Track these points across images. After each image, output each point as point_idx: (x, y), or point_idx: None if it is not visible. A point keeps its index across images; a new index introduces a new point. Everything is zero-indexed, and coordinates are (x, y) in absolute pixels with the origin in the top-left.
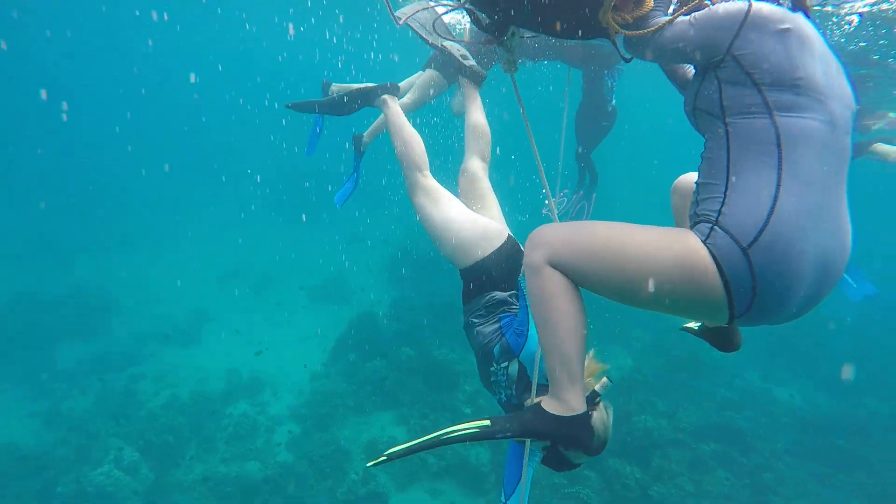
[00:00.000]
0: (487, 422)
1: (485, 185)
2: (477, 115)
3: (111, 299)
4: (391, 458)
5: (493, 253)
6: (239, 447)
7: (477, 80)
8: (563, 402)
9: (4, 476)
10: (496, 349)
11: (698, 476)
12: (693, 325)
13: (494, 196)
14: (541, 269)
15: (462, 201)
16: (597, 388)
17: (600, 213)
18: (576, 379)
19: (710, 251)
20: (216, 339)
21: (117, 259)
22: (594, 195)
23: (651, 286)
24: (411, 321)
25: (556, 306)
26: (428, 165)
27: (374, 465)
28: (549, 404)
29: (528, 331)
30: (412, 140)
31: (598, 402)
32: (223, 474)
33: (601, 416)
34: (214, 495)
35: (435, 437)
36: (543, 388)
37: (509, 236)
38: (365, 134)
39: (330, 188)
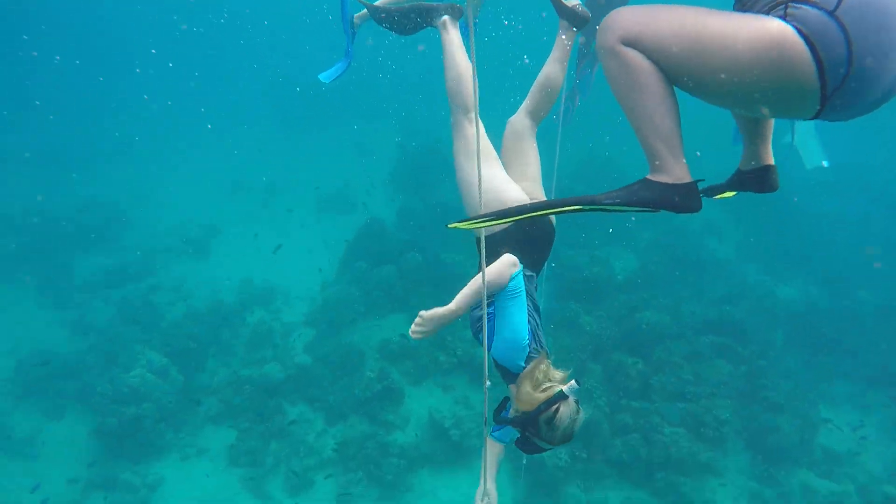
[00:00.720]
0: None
1: (528, 143)
2: (555, 67)
3: (121, 212)
4: (475, 221)
5: (504, 230)
6: (258, 352)
7: (578, 22)
8: (670, 174)
9: (44, 378)
10: (479, 335)
11: (697, 366)
12: (728, 192)
13: (538, 158)
14: (617, 50)
15: (503, 156)
16: (564, 389)
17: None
18: (678, 153)
19: (793, 25)
20: (227, 250)
21: (123, 172)
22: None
23: (732, 65)
24: (418, 227)
25: (644, 81)
26: (477, 108)
27: (456, 226)
28: (655, 177)
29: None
30: (467, 75)
31: (568, 398)
32: (245, 376)
33: (569, 411)
34: (239, 395)
35: (536, 205)
36: (509, 374)
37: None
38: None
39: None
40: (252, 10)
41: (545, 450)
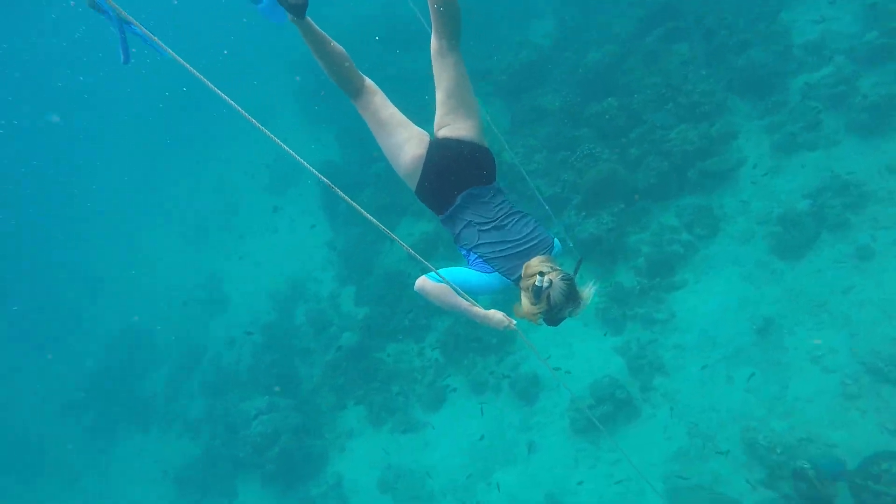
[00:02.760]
0: None
1: (440, 64)
2: None
3: (141, 329)
4: None
5: (419, 184)
6: (326, 334)
7: None
8: None
9: (200, 471)
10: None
11: (659, 65)
12: None
13: (452, 76)
14: None
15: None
16: (535, 284)
17: None
18: None
19: None
20: (238, 287)
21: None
22: None
23: None
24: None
25: None
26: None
27: None
28: None
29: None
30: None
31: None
32: (332, 359)
33: (557, 292)
34: (340, 375)
35: None
36: None
37: (430, 143)
38: None
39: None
40: None
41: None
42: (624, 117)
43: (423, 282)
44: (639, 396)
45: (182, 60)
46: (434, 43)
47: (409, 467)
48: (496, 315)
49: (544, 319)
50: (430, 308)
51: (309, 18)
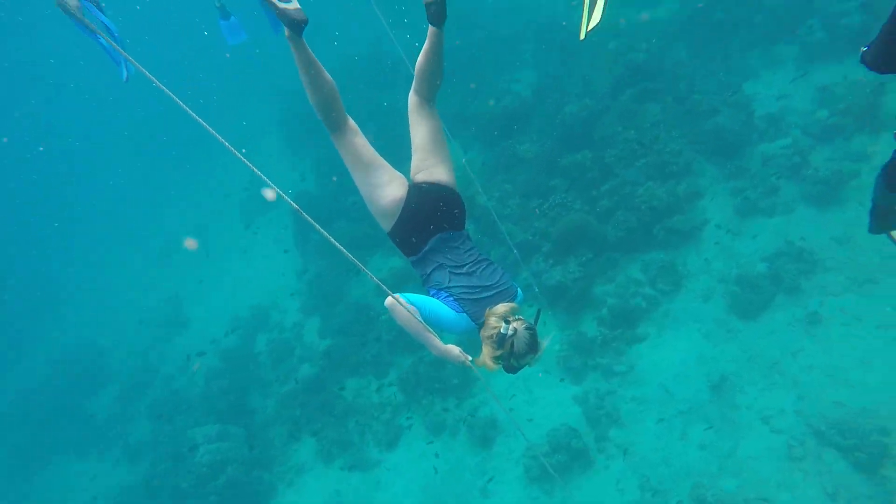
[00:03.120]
0: None
1: (416, 116)
2: (423, 57)
3: (97, 347)
4: None
5: (394, 225)
6: (285, 365)
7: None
8: None
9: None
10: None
11: (632, 121)
12: None
13: (428, 128)
14: None
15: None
16: (501, 332)
17: None
18: None
19: None
20: (199, 311)
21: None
22: None
23: None
24: (337, 184)
25: None
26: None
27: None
28: None
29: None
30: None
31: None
32: (289, 391)
33: (521, 341)
34: (296, 407)
35: None
36: None
37: (410, 187)
38: None
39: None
40: None
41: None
42: (597, 170)
43: (394, 302)
44: (594, 447)
45: (153, 77)
46: (412, 98)
47: None
48: (454, 350)
49: (504, 366)
50: (394, 344)
51: (304, 40)
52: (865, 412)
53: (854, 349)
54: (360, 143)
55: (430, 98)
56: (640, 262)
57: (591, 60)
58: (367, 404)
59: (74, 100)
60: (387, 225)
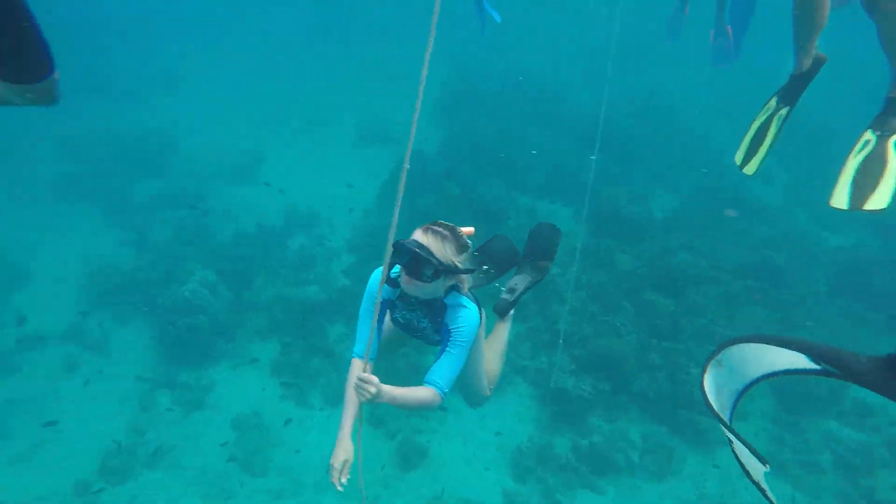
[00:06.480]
0: None
1: None
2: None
3: (173, 140)
4: None
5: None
6: (302, 274)
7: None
8: None
9: (113, 290)
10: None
11: (730, 310)
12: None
13: None
14: None
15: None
16: None
17: None
18: None
19: None
20: (272, 175)
21: (172, 100)
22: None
23: None
24: (457, 159)
25: None
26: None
27: None
28: None
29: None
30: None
31: None
32: (289, 296)
33: None
34: (284, 312)
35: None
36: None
37: None
38: None
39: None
40: None
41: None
42: (669, 324)
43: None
44: None
45: None
46: None
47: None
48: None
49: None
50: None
51: None
52: None
53: None
54: None
55: None
56: (645, 428)
57: (735, 237)
58: (338, 356)
59: None
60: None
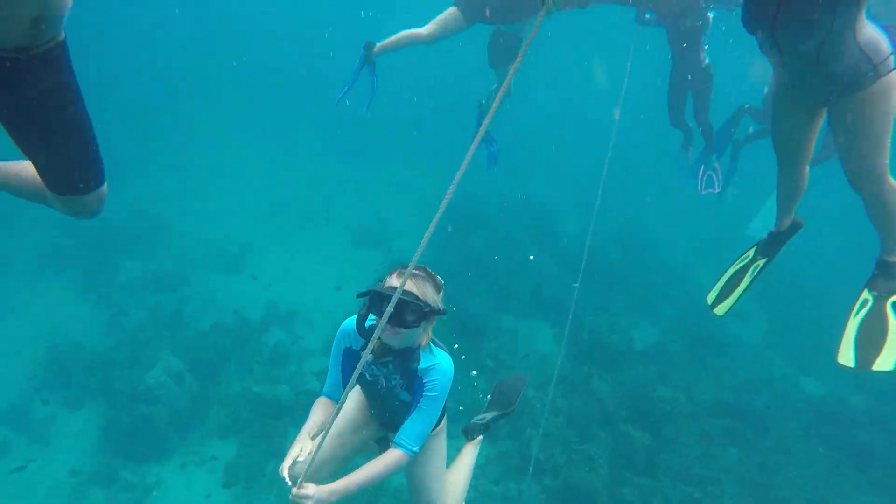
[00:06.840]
0: None
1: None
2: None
3: (165, 222)
4: None
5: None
6: (273, 372)
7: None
8: None
9: (72, 369)
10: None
11: (707, 450)
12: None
13: None
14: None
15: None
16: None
17: None
18: None
19: None
20: (259, 269)
21: (171, 182)
22: (717, 165)
23: None
24: (445, 274)
25: None
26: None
27: None
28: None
29: None
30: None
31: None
32: (257, 393)
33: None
34: (249, 411)
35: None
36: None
37: None
38: (378, 45)
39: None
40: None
41: None
42: (644, 459)
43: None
44: None
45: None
46: None
47: None
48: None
49: None
50: None
51: None
52: None
53: None
54: None
55: None
56: None
57: (718, 365)
58: None
59: None
60: None
